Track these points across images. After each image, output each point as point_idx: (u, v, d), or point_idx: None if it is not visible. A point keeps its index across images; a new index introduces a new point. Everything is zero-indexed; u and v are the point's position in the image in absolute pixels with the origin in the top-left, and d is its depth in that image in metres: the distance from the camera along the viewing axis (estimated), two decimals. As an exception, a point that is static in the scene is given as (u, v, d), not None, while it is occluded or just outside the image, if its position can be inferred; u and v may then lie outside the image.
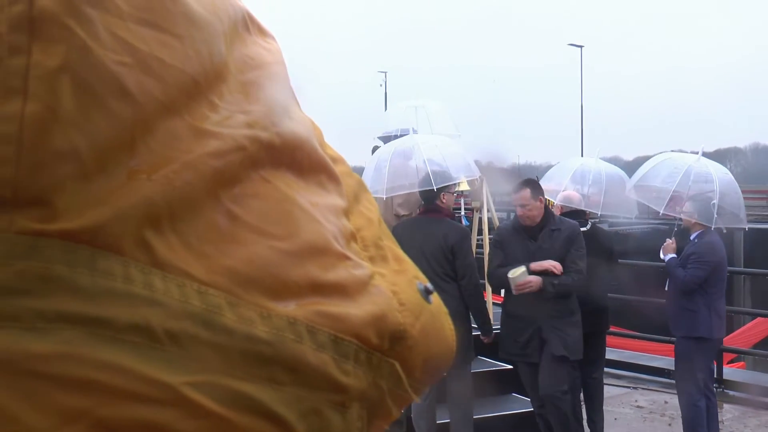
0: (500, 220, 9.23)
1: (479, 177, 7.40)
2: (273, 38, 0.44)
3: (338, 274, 0.38)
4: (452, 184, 6.20)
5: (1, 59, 0.31)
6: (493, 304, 8.50)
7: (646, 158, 7.99)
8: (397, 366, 0.40)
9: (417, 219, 6.09)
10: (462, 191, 8.49)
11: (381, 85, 66.16)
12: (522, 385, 6.51)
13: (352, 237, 0.41)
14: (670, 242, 6.68)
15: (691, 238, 6.52)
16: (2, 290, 0.30)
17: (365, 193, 0.46)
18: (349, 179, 0.44)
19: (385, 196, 6.74)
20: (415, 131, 7.50)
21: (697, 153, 7.28)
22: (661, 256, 6.72)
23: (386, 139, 7.88)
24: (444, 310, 0.45)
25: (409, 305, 0.41)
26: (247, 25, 0.42)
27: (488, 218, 8.25)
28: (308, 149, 0.41)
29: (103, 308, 0.32)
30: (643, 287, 10.78)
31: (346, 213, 0.42)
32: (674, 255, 6.56)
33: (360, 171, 7.32)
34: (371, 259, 0.42)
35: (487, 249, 8.15)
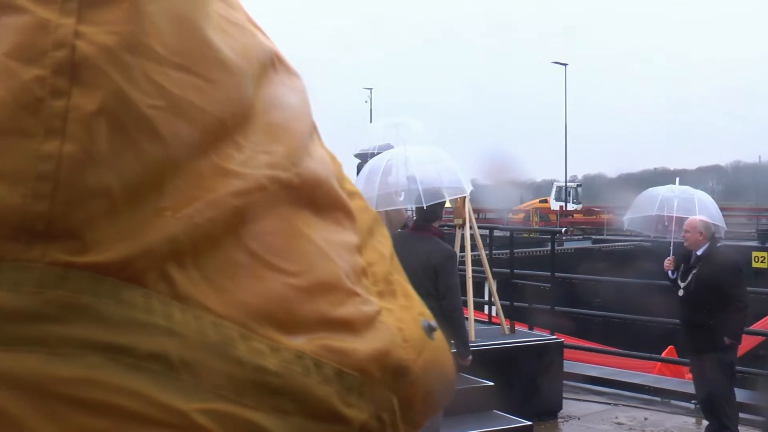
0: (482, 237, 9.27)
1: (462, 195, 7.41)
2: (299, 76, 0.46)
3: (347, 310, 0.40)
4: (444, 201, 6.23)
5: (44, 101, 0.34)
6: (475, 320, 8.54)
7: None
8: (395, 400, 0.41)
9: (405, 235, 6.07)
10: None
11: (366, 102, 66.25)
12: (503, 402, 6.55)
13: (363, 273, 0.43)
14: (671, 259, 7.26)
15: (699, 253, 7.05)
16: (32, 316, 0.33)
17: (380, 227, 0.48)
18: (365, 214, 0.46)
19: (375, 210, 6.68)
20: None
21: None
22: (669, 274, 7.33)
23: (363, 157, 7.86)
24: (446, 346, 0.47)
25: (413, 342, 0.43)
26: (275, 65, 0.44)
27: (471, 235, 8.28)
28: (326, 188, 0.43)
29: (125, 336, 0.34)
30: (626, 304, 10.84)
31: (360, 248, 0.44)
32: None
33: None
34: (380, 294, 0.44)
35: (469, 267, 8.19)
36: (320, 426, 0.38)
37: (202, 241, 0.36)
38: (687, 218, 7.34)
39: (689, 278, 7.05)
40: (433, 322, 0.46)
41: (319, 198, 0.42)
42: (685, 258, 7.17)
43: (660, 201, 7.88)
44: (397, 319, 0.43)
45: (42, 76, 0.34)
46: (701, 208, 7.49)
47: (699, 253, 7.05)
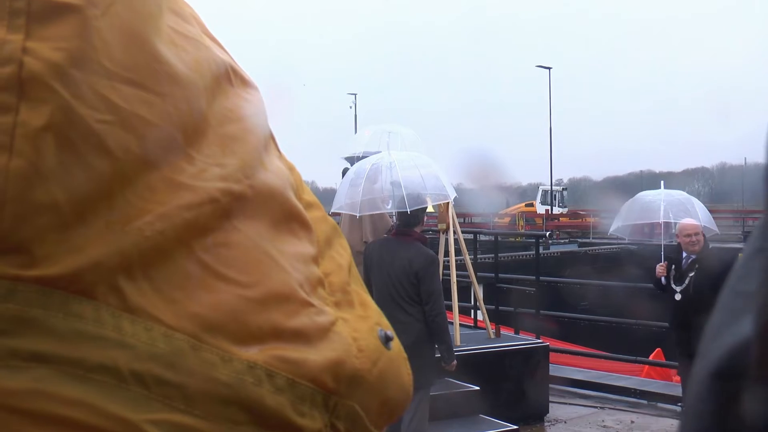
0: (467, 242, 9.28)
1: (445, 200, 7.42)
2: (255, 88, 0.46)
3: (300, 320, 0.40)
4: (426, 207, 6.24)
5: None
6: (460, 325, 8.55)
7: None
8: (357, 408, 0.42)
9: (387, 240, 6.07)
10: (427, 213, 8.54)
11: (351, 107, 66.37)
12: (489, 406, 6.55)
13: (319, 283, 0.43)
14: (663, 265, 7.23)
15: (694, 256, 7.06)
16: None
17: (338, 238, 0.48)
18: (323, 224, 0.47)
19: (358, 215, 6.70)
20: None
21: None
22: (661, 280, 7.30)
23: (352, 161, 7.85)
24: (403, 355, 0.48)
25: (368, 351, 0.43)
26: (229, 77, 0.44)
27: (454, 239, 8.30)
28: (281, 199, 0.43)
29: (75, 349, 0.34)
30: (612, 307, 10.88)
31: (316, 259, 0.44)
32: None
33: (331, 193, 7.31)
34: (337, 304, 0.44)
35: (454, 271, 8.20)
36: None
37: (152, 253, 0.36)
38: (675, 222, 7.34)
39: (686, 281, 7.03)
40: (390, 332, 0.47)
41: (273, 209, 0.42)
42: (675, 262, 7.15)
43: (651, 206, 7.89)
44: (352, 329, 0.43)
45: None
46: (702, 211, 7.56)
47: (694, 256, 7.02)
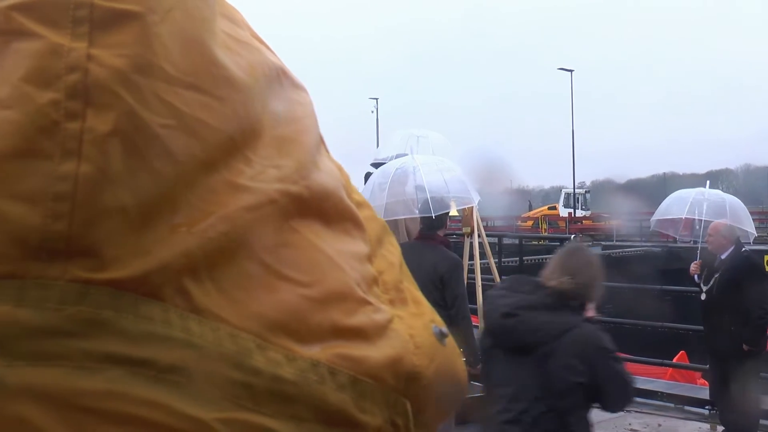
0: (491, 245, 9.26)
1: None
2: (305, 90, 0.47)
3: (359, 319, 0.41)
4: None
5: (59, 123, 0.35)
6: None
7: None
8: (408, 405, 0.42)
9: (411, 244, 6.03)
10: (451, 216, 8.52)
11: (372, 112, 66.33)
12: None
13: (374, 281, 0.44)
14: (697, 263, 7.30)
15: (723, 257, 7.06)
16: (55, 332, 0.34)
17: (388, 236, 0.49)
18: (373, 223, 0.47)
19: (384, 219, 6.64)
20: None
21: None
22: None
23: (378, 166, 7.83)
24: (457, 351, 0.48)
25: (424, 348, 0.44)
26: (281, 80, 0.45)
27: (479, 243, 8.28)
28: (335, 199, 0.44)
29: (145, 350, 0.35)
30: (637, 309, 10.80)
31: (370, 258, 0.45)
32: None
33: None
34: (391, 302, 0.44)
35: (478, 275, 8.18)
36: (336, 431, 0.39)
37: (216, 254, 0.37)
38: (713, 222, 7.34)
39: (711, 282, 7.03)
40: (444, 329, 0.47)
41: (328, 209, 0.43)
42: (710, 262, 7.14)
43: (690, 204, 7.84)
44: (408, 326, 0.44)
45: (57, 100, 0.35)
46: (731, 213, 7.48)
47: (723, 257, 7.02)
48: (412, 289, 0.48)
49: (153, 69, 0.37)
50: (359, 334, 0.41)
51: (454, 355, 0.47)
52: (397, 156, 7.53)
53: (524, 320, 3.32)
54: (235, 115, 0.40)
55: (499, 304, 3.42)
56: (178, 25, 0.39)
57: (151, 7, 0.38)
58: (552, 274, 3.42)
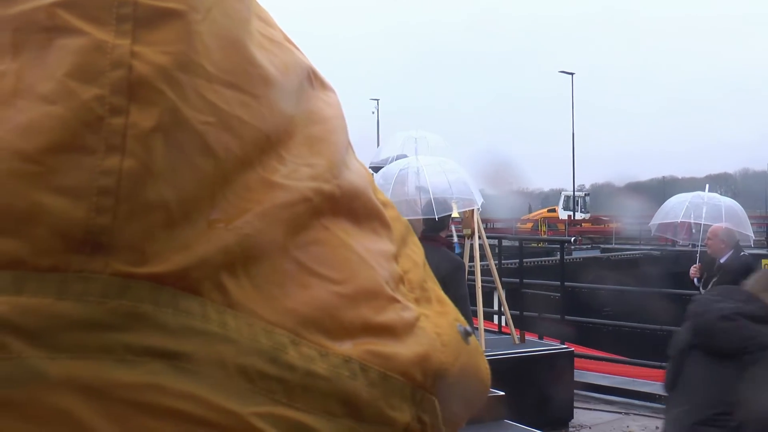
0: (491, 247, 9.26)
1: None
2: (333, 91, 0.48)
3: (388, 316, 0.41)
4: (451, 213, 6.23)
5: (103, 118, 0.35)
6: (485, 330, 8.53)
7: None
8: (436, 402, 0.43)
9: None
10: (453, 218, 8.52)
11: (373, 113, 66.32)
12: (514, 412, 6.54)
13: (400, 280, 0.44)
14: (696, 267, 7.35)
15: (722, 261, 7.11)
16: (96, 325, 0.34)
17: (412, 236, 0.49)
18: (397, 223, 0.48)
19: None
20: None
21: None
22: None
23: (376, 169, 7.83)
24: (480, 350, 0.49)
25: (450, 346, 0.44)
26: (311, 80, 0.46)
27: (479, 245, 8.28)
28: (364, 199, 0.44)
29: (184, 344, 0.35)
30: (635, 312, 10.81)
31: (396, 257, 0.45)
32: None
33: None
34: (417, 301, 0.45)
35: (479, 277, 8.19)
36: (367, 428, 0.39)
37: (252, 251, 0.38)
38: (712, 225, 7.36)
39: (710, 286, 7.03)
40: (468, 328, 0.47)
41: (357, 208, 0.44)
42: (710, 266, 7.17)
43: (687, 207, 7.87)
44: (434, 324, 0.44)
45: (101, 95, 0.35)
46: (728, 216, 7.49)
47: (722, 261, 7.07)
48: (435, 288, 0.48)
49: (194, 67, 0.38)
50: (389, 331, 0.41)
51: (477, 354, 0.48)
52: (398, 157, 7.53)
53: (741, 326, 3.42)
54: (271, 114, 0.40)
55: (716, 308, 3.52)
56: (218, 24, 0.39)
57: (193, 6, 0.38)
58: (763, 290, 3.56)
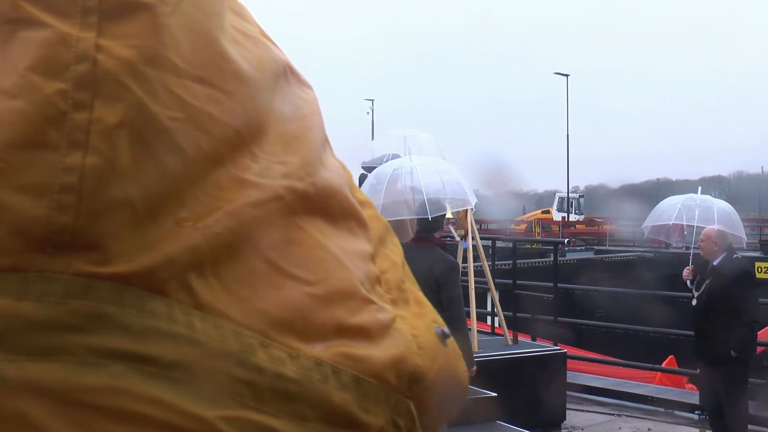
0: (484, 248, 9.27)
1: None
2: (310, 87, 0.47)
3: (363, 317, 0.41)
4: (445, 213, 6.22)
5: (66, 114, 0.34)
6: (478, 331, 8.54)
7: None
8: (412, 406, 0.42)
9: (407, 246, 6.03)
10: (447, 219, 8.52)
11: (368, 113, 66.26)
12: (507, 413, 6.55)
13: (377, 280, 0.44)
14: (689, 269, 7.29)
15: (714, 263, 7.07)
16: (58, 326, 0.33)
17: (390, 236, 0.48)
18: (375, 222, 0.47)
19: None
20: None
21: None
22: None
23: (370, 169, 7.84)
24: (458, 353, 0.48)
25: (427, 349, 0.43)
26: (287, 76, 0.44)
27: (473, 246, 8.28)
28: (340, 197, 0.43)
29: (148, 346, 0.34)
30: (628, 314, 10.83)
31: (373, 257, 0.44)
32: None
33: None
34: (394, 302, 0.44)
35: (472, 278, 8.19)
36: (338, 431, 0.38)
37: (221, 250, 0.37)
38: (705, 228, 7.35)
39: (702, 288, 7.05)
40: (446, 329, 0.47)
41: (333, 207, 0.43)
42: (702, 268, 7.17)
43: (679, 210, 7.87)
44: (411, 326, 0.44)
45: (64, 90, 0.34)
46: (720, 218, 7.49)
47: (715, 263, 7.05)
48: (414, 289, 0.47)
49: (162, 61, 0.36)
50: (363, 333, 0.40)
51: (455, 357, 0.47)
52: (392, 157, 7.52)
53: None
54: (243, 110, 0.39)
55: None
56: (188, 17, 0.38)
57: None
58: None
